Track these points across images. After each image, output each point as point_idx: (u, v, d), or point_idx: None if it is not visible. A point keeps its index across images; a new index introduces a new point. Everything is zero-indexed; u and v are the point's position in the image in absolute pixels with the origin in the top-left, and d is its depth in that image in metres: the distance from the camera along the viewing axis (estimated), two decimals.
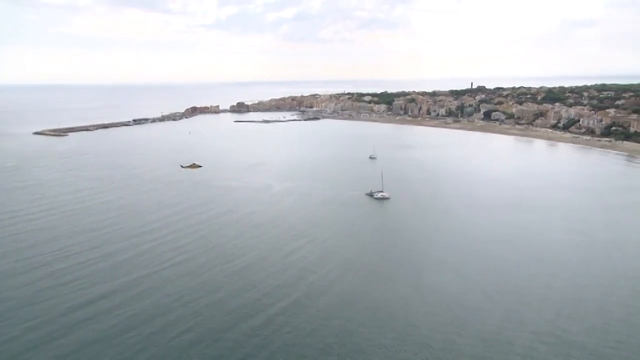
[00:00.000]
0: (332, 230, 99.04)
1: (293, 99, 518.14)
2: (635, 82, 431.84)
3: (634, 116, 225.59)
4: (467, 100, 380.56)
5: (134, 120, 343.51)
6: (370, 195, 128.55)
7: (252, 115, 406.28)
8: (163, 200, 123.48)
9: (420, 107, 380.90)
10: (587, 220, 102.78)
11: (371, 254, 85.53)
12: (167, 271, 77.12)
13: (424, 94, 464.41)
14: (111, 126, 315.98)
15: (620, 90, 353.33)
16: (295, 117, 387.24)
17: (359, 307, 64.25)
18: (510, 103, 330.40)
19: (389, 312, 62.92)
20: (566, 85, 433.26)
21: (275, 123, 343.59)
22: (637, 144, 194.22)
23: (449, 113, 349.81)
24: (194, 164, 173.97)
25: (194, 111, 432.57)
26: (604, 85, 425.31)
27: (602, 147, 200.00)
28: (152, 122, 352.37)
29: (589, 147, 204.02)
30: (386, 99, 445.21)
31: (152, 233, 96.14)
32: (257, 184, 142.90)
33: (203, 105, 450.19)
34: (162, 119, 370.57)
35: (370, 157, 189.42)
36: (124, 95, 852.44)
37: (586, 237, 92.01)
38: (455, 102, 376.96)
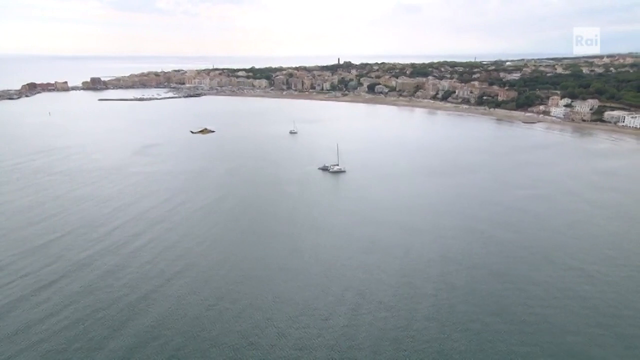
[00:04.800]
0: (316, 210, 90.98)
1: (157, 74, 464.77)
2: (463, 60, 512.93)
3: (495, 87, 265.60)
4: (345, 75, 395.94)
5: None
6: (325, 169, 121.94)
7: (115, 93, 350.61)
8: (92, 193, 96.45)
9: (303, 81, 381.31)
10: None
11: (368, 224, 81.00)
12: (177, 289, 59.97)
13: (298, 68, 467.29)
14: None
15: (467, 66, 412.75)
16: (171, 94, 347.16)
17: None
18: (387, 77, 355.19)
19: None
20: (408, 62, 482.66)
21: (152, 101, 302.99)
22: (506, 111, 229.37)
23: (333, 87, 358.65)
24: (206, 129, 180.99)
25: (33, 88, 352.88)
26: (445, 62, 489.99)
27: (482, 114, 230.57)
28: None
29: (471, 114, 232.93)
30: (261, 74, 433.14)
31: (113, 244, 73.81)
32: (191, 167, 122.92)
33: (45, 82, 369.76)
34: None
35: (291, 132, 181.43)
36: None
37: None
38: (335, 76, 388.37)
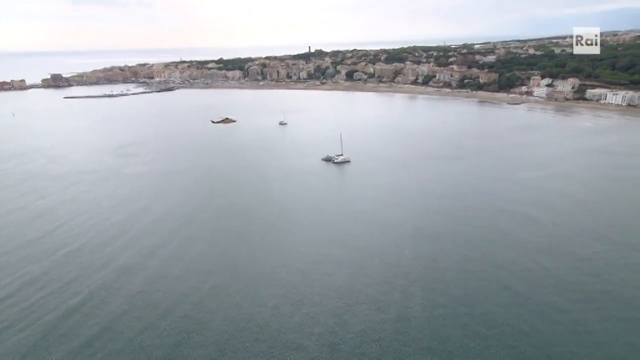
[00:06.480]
0: (340, 202, 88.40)
1: (122, 69, 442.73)
2: (432, 44, 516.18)
3: (475, 70, 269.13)
4: (320, 63, 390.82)
5: None
6: (329, 160, 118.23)
7: (81, 90, 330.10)
8: (100, 197, 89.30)
9: (278, 71, 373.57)
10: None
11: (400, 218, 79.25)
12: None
13: (270, 58, 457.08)
14: None
15: (440, 50, 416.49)
16: (142, 89, 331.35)
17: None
18: (364, 64, 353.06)
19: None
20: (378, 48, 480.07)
21: (123, 97, 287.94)
22: (489, 93, 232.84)
23: (310, 76, 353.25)
24: (227, 118, 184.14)
25: None
26: (416, 47, 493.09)
27: (465, 97, 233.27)
28: None
29: (454, 97, 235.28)
30: (232, 65, 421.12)
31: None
32: (199, 164, 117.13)
33: None
34: None
35: (281, 123, 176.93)
36: None
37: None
38: (310, 65, 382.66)
